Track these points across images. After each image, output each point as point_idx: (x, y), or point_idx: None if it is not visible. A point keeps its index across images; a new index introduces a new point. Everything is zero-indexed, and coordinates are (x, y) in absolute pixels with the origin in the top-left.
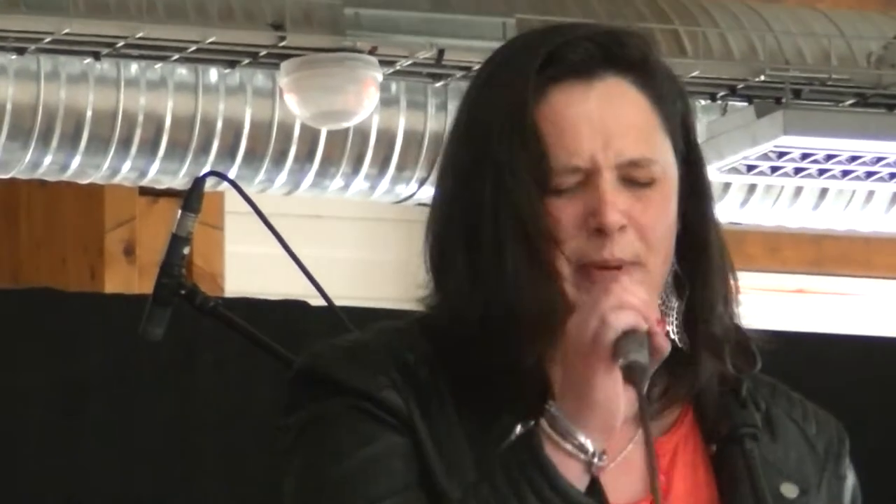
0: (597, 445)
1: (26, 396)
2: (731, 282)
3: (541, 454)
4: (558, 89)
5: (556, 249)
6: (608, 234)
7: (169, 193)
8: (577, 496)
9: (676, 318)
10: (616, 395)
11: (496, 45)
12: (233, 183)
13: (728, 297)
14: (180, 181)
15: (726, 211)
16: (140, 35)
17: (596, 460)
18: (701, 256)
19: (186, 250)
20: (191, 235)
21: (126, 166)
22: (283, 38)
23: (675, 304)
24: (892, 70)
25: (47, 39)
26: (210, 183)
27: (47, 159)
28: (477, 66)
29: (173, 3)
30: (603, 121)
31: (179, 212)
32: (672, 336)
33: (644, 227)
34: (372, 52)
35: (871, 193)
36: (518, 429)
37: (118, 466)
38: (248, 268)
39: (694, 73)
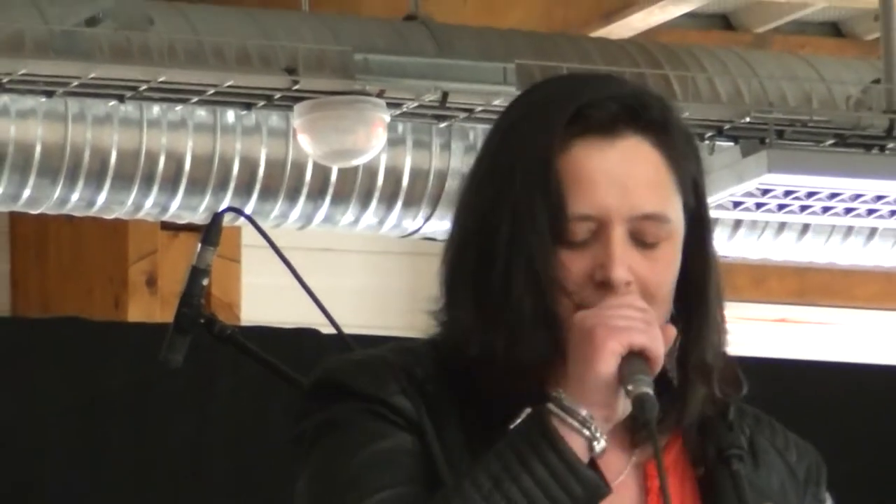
0: (598, 424)
1: (52, 418)
2: (723, 323)
3: (547, 426)
4: (581, 143)
5: (564, 298)
6: (614, 288)
7: (189, 228)
8: (580, 464)
9: (671, 355)
10: (613, 378)
11: (498, 88)
12: (249, 218)
13: (720, 337)
14: (200, 216)
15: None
16: (162, 79)
17: (598, 434)
18: (700, 307)
19: (205, 281)
20: (209, 267)
21: (148, 202)
22: (296, 82)
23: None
24: (869, 112)
25: (74, 83)
26: (228, 218)
27: (74, 196)
28: (479, 108)
29: (192, 48)
30: (621, 176)
31: (199, 245)
32: (668, 373)
33: (649, 285)
34: (380, 94)
35: (850, 229)
36: (526, 411)
37: (138, 486)
38: (264, 298)
39: (685, 115)
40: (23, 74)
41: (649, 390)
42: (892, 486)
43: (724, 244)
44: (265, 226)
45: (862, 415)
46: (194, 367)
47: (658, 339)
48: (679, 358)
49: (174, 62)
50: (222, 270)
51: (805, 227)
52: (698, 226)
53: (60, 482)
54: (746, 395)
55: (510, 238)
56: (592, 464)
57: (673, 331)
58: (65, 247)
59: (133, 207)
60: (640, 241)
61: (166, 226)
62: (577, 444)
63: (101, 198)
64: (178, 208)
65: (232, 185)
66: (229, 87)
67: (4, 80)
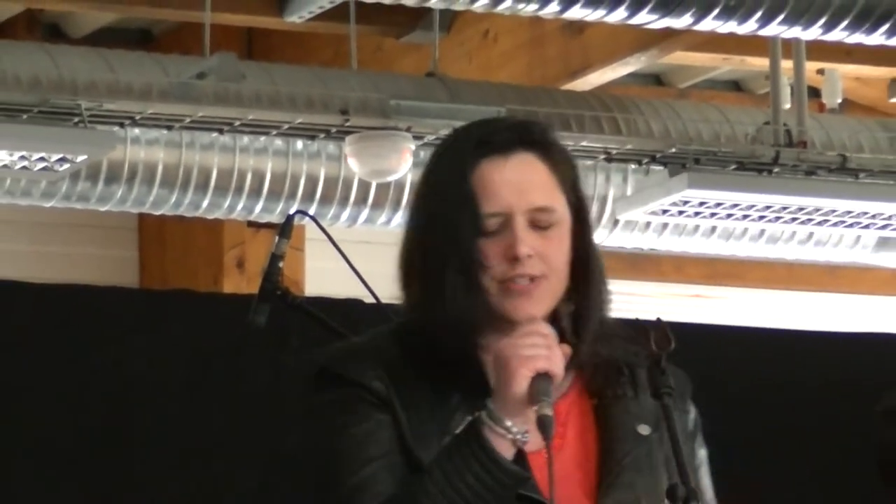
0: (519, 427)
1: (170, 363)
2: (606, 292)
3: (481, 435)
4: (486, 162)
5: (484, 273)
6: (520, 260)
7: (268, 225)
8: (506, 462)
9: (568, 317)
10: (525, 396)
11: None
12: (313, 218)
13: (603, 302)
14: (276, 217)
15: (647, 241)
16: (250, 117)
17: (519, 437)
18: (586, 276)
19: (281, 264)
20: (284, 254)
21: (239, 206)
22: (347, 120)
23: (566, 308)
24: (761, 146)
25: (187, 120)
26: (297, 218)
27: (186, 201)
28: None
29: (273, 95)
30: (517, 181)
31: (276, 238)
32: (564, 327)
33: (546, 255)
34: (408, 130)
35: (745, 230)
36: (467, 419)
37: (232, 418)
38: (321, 277)
39: (628, 147)
40: (150, 113)
41: (549, 412)
42: (758, 423)
43: (655, 241)
44: (323, 224)
45: (752, 368)
46: (273, 327)
47: (557, 359)
48: (574, 319)
49: (259, 105)
50: (292, 256)
51: (714, 229)
52: (580, 217)
53: (170, 416)
54: (676, 350)
55: (444, 235)
56: (521, 452)
57: (567, 349)
58: (178, 239)
59: (228, 210)
60: (537, 226)
61: (252, 224)
62: (503, 445)
63: (205, 203)
64: (261, 211)
65: (300, 194)
66: (299, 123)
67: (137, 118)
